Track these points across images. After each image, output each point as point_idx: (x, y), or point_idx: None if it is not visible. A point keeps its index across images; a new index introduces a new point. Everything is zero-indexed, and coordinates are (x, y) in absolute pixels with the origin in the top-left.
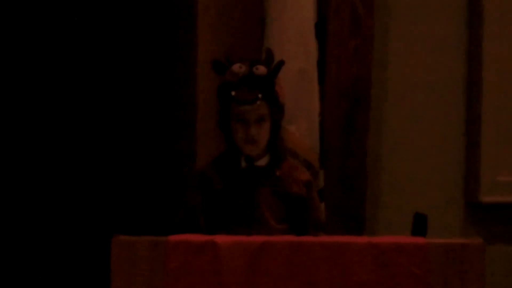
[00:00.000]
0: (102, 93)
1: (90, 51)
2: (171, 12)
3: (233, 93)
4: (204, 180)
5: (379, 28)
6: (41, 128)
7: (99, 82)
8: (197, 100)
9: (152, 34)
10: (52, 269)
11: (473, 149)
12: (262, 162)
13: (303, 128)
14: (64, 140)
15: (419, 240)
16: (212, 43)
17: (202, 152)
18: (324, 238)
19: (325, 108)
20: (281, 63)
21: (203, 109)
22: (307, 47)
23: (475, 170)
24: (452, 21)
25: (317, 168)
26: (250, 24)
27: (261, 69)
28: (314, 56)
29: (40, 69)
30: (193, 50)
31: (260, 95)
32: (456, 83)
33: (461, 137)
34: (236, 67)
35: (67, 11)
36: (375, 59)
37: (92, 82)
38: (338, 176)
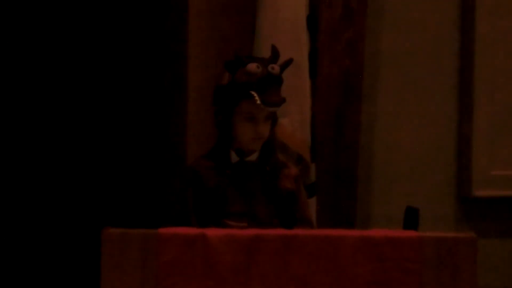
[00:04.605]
0: (93, 90)
1: (80, 50)
2: (162, 7)
3: (255, 94)
4: (195, 177)
5: (371, 21)
6: (32, 124)
7: (90, 80)
8: (188, 94)
9: (143, 30)
10: (42, 263)
11: (465, 143)
12: (253, 157)
13: (295, 121)
14: (55, 136)
15: (412, 233)
16: (203, 36)
17: (192, 146)
18: (317, 232)
19: (317, 101)
20: (290, 61)
21: (194, 103)
22: (299, 40)
23: (467, 164)
24: (445, 14)
25: (309, 161)
26: (242, 20)
27: (276, 69)
28: (306, 49)
29: (26, 66)
30: (183, 44)
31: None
32: (448, 77)
33: (453, 131)
34: (253, 67)
35: (59, 10)
36: (367, 52)
37: (84, 81)
38: (330, 169)
